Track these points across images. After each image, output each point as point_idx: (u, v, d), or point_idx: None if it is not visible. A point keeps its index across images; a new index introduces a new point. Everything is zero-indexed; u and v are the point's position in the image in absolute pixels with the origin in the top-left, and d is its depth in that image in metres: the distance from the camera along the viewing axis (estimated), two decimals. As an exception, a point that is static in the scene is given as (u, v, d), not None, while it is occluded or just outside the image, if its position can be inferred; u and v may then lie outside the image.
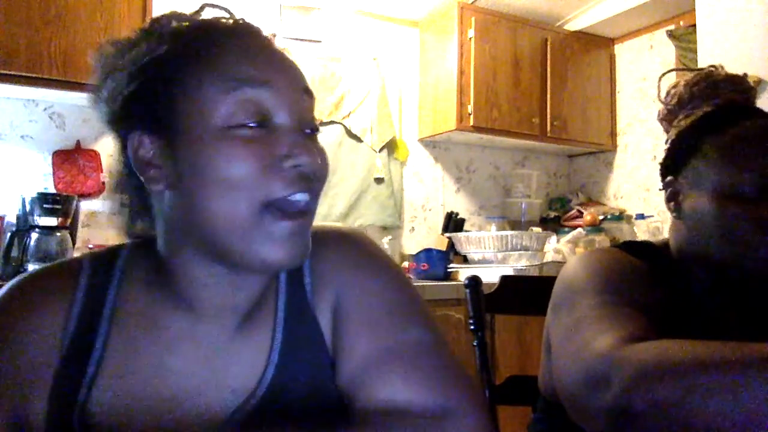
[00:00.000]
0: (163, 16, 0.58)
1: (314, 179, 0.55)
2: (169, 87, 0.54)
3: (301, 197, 0.54)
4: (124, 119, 0.56)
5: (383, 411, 0.55)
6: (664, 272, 0.84)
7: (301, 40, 2.82)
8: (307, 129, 0.57)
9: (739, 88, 0.86)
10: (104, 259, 0.62)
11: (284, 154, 0.53)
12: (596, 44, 3.26)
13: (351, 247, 0.66)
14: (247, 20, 0.60)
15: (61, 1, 2.04)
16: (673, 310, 0.78)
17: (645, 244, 0.90)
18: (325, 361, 0.62)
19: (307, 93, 0.58)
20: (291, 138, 0.54)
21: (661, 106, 0.92)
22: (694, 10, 2.18)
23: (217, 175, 0.52)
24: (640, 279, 0.79)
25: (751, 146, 0.78)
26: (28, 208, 2.09)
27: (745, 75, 0.89)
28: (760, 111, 0.83)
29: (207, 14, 0.61)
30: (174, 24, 0.57)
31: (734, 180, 0.77)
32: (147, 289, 0.60)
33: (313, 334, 0.62)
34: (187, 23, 0.57)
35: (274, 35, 0.60)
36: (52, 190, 2.28)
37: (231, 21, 0.59)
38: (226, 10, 0.62)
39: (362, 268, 0.65)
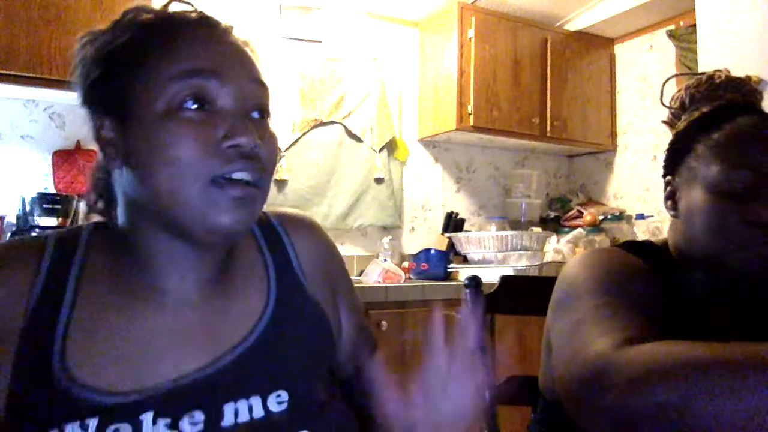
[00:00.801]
0: (132, 8, 0.62)
1: (256, 158, 0.58)
2: (126, 73, 0.59)
3: (242, 175, 0.57)
4: (90, 102, 0.62)
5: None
6: (665, 271, 0.84)
7: (301, 40, 2.82)
8: (254, 114, 0.61)
9: (742, 90, 0.86)
10: (69, 233, 0.65)
11: (223, 134, 0.57)
12: (596, 44, 3.27)
13: (318, 228, 0.78)
14: (207, 13, 0.64)
15: (61, 1, 2.04)
16: (673, 309, 0.78)
17: (646, 244, 0.91)
18: (316, 315, 0.70)
19: (257, 82, 0.62)
20: (231, 120, 0.58)
21: (664, 109, 0.93)
22: (694, 10, 2.18)
23: (163, 154, 0.56)
24: (641, 278, 0.79)
25: (741, 142, 0.78)
26: (28, 208, 2.09)
27: (748, 78, 0.89)
28: (755, 109, 0.83)
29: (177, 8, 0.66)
30: (142, 16, 0.62)
31: (724, 177, 0.77)
32: (111, 260, 0.63)
33: (302, 293, 0.70)
34: (152, 15, 0.62)
35: (232, 27, 0.64)
36: (52, 190, 2.28)
37: (193, 14, 0.63)
38: (190, 4, 0.66)
39: (334, 249, 0.78)
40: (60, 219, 2.09)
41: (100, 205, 0.69)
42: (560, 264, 2.73)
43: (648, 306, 0.73)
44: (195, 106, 0.57)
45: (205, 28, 0.61)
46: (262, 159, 0.59)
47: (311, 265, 0.73)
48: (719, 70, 0.89)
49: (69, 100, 2.30)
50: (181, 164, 0.55)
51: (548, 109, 3.04)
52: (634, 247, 0.89)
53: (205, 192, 0.56)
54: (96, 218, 0.70)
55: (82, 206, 2.24)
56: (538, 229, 2.99)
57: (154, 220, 0.59)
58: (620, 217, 3.17)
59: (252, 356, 0.62)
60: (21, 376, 0.55)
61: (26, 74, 2.00)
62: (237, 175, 0.57)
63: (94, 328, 0.58)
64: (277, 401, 0.61)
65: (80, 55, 0.62)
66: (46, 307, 0.58)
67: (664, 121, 0.94)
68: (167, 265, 0.61)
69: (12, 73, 1.98)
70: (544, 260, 2.78)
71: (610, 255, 0.84)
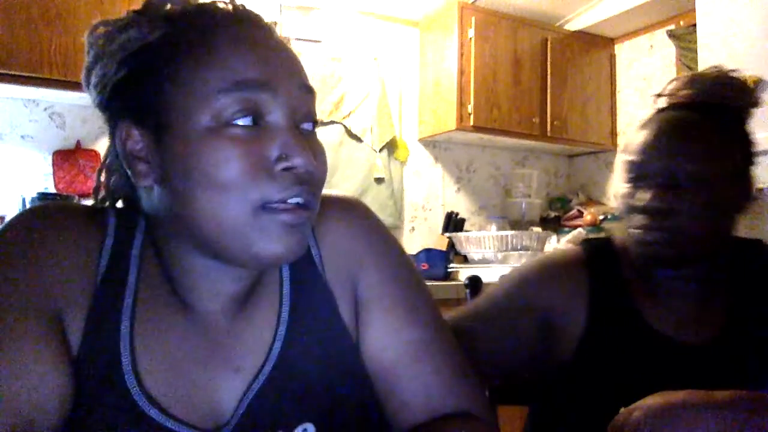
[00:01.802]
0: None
1: (310, 180, 0.52)
2: (159, 77, 0.51)
3: (296, 200, 0.51)
4: (113, 107, 0.54)
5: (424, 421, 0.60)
6: (610, 271, 0.87)
7: (301, 40, 2.82)
8: (305, 125, 0.54)
9: (729, 89, 0.82)
10: (127, 214, 0.60)
11: (277, 155, 0.50)
12: (596, 44, 3.26)
13: (358, 216, 0.66)
14: (246, 6, 0.56)
15: (61, 1, 2.04)
16: (615, 306, 0.83)
17: (604, 242, 0.95)
18: (338, 330, 0.61)
19: (307, 89, 0.55)
20: (284, 138, 0.51)
21: None
22: (694, 10, 2.18)
23: (206, 176, 0.49)
24: (551, 289, 0.87)
25: (641, 135, 0.83)
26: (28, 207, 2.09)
27: (743, 77, 0.87)
28: (723, 107, 0.80)
29: None
30: (168, 7, 0.54)
31: (623, 168, 0.83)
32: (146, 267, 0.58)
33: (325, 305, 0.61)
34: (182, 7, 0.54)
35: (276, 23, 0.57)
36: (52, 190, 2.28)
37: (230, 6, 0.55)
38: None
39: (376, 244, 0.65)
40: (60, 219, 2.09)
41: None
42: (560, 264, 2.72)
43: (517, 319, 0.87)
44: (244, 123, 0.50)
45: (247, 28, 0.53)
46: (315, 179, 0.53)
47: (330, 249, 0.63)
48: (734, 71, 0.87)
49: (69, 100, 2.30)
50: (228, 187, 0.48)
51: (548, 109, 3.04)
52: (592, 246, 0.93)
53: (254, 217, 0.50)
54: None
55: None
56: (538, 229, 2.99)
57: (190, 241, 0.53)
58: (620, 217, 3.16)
59: (270, 388, 0.57)
60: (87, 361, 0.52)
61: (26, 74, 2.00)
62: (291, 201, 0.51)
63: (156, 335, 0.54)
64: None
65: (95, 51, 0.54)
66: (109, 294, 0.54)
67: None
68: (200, 283, 0.56)
69: (12, 73, 1.98)
70: (544, 260, 2.78)
71: (545, 265, 0.90)
